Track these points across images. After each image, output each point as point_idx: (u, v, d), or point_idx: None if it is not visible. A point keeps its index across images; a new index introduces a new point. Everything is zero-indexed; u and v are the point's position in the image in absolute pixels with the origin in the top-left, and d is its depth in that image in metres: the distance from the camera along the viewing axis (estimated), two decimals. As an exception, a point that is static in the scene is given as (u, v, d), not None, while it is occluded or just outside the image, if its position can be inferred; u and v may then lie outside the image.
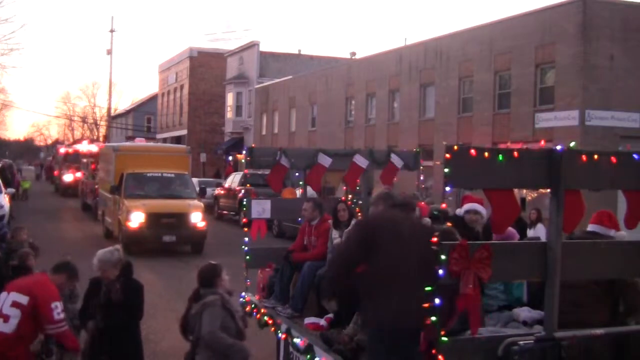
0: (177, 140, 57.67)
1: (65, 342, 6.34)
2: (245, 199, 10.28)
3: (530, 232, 14.42)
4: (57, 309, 6.11)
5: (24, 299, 6.02)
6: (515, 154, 4.73)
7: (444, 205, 6.47)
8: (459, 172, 4.59)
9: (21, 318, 6.00)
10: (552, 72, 24.40)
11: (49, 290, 6.17)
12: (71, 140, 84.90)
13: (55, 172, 47.25)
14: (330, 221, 9.60)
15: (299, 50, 54.14)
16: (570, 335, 4.97)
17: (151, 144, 31.27)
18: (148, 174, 20.93)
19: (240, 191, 26.26)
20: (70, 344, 6.37)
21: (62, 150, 48.67)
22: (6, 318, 5.99)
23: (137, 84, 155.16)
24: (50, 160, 65.46)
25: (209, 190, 31.54)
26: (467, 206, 7.72)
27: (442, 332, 4.67)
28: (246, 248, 9.84)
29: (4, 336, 5.95)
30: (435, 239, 5.10)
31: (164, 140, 61.19)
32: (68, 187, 40.07)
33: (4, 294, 6.19)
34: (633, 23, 23.25)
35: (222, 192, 30.55)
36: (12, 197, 27.33)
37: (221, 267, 6.17)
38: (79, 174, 37.72)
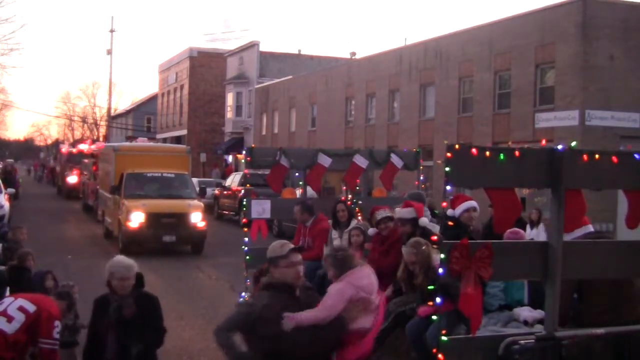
0: (177, 140, 57.65)
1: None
2: (245, 199, 10.28)
3: (532, 232, 14.43)
4: (57, 327, 6.16)
5: (31, 307, 6.05)
6: (517, 153, 4.73)
7: (444, 204, 6.48)
8: (460, 171, 4.59)
9: (23, 324, 5.99)
10: (552, 72, 24.39)
11: (55, 308, 6.26)
12: (71, 140, 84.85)
13: (58, 174, 45.97)
14: (329, 221, 9.61)
15: (299, 50, 54.15)
16: (570, 335, 4.97)
17: (152, 144, 31.23)
18: (148, 174, 20.92)
19: (240, 191, 26.24)
20: None
21: (65, 150, 47.79)
22: (10, 318, 5.99)
23: (137, 84, 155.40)
24: (52, 161, 65.18)
25: (209, 190, 31.52)
26: (465, 204, 7.75)
27: (443, 332, 4.67)
28: (246, 248, 9.84)
29: (4, 335, 5.95)
30: (435, 238, 5.10)
31: (164, 140, 61.14)
32: (72, 189, 38.29)
33: (10, 298, 6.22)
34: (633, 23, 23.24)
35: (225, 192, 30.42)
36: (13, 197, 27.35)
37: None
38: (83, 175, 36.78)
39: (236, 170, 40.65)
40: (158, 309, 5.93)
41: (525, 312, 6.15)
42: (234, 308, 5.98)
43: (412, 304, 6.82)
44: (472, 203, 7.73)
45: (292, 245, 5.27)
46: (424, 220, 7.78)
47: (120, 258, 6.02)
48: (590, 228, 5.97)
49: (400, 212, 7.97)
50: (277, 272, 5.12)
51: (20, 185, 39.15)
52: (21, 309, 6.03)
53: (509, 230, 6.79)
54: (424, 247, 6.64)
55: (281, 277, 5.10)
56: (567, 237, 5.63)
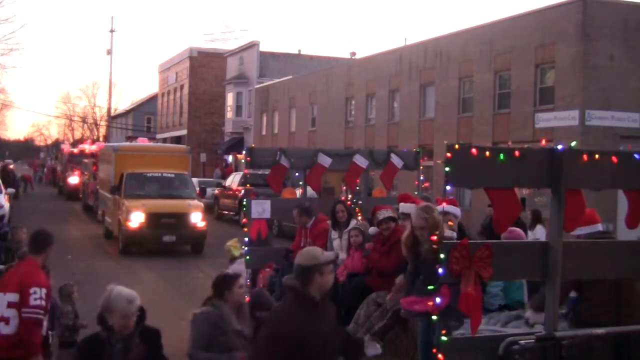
0: (177, 140, 57.63)
1: (27, 331, 5.86)
2: (245, 199, 10.28)
3: (529, 234, 14.34)
4: (36, 294, 5.88)
5: (16, 297, 5.96)
6: (517, 153, 4.73)
7: (444, 204, 6.46)
8: (460, 171, 4.60)
9: (19, 319, 5.96)
10: (552, 72, 24.39)
11: (33, 278, 6.00)
12: (71, 140, 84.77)
13: (59, 174, 45.59)
14: (328, 222, 9.60)
15: (299, 50, 54.18)
16: (570, 335, 4.97)
17: (152, 144, 31.21)
18: (148, 174, 20.93)
19: (240, 191, 26.25)
20: (34, 336, 5.87)
21: (67, 150, 47.41)
22: (7, 321, 5.95)
23: (137, 84, 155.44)
24: (50, 161, 64.99)
25: (209, 190, 31.53)
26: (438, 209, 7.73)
27: (443, 332, 4.67)
28: (246, 248, 9.82)
29: (7, 338, 5.94)
30: (435, 238, 5.09)
31: (164, 140, 61.13)
32: (73, 190, 37.28)
33: (1, 294, 6.10)
34: (633, 23, 23.24)
35: (225, 192, 30.39)
36: (14, 197, 27.35)
37: (234, 278, 5.85)
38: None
39: (236, 170, 40.63)
40: (161, 343, 5.08)
41: (531, 313, 6.11)
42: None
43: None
44: (447, 208, 7.69)
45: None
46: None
47: (119, 290, 4.88)
48: (599, 227, 5.94)
49: (404, 206, 7.97)
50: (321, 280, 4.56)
51: (20, 185, 39.05)
52: (10, 305, 5.96)
53: None
54: (435, 213, 6.32)
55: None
56: (574, 233, 5.65)
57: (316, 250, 4.72)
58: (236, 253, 10.19)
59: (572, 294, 5.79)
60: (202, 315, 5.53)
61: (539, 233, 13.82)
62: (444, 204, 6.15)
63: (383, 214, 8.08)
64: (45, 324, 6.19)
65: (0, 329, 5.96)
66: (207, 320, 5.48)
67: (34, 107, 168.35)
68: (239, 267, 9.47)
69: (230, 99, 52.01)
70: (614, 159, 4.99)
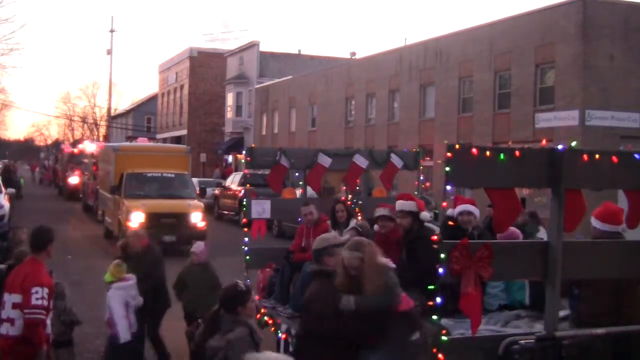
0: (177, 140, 57.63)
1: (30, 332, 5.88)
2: (245, 199, 10.26)
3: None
4: (37, 294, 5.85)
5: (19, 298, 5.97)
6: (517, 153, 4.73)
7: (444, 204, 6.44)
8: (460, 171, 4.59)
9: (23, 319, 5.97)
10: (552, 72, 24.39)
11: (35, 277, 5.98)
12: (71, 140, 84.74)
13: (59, 174, 45.53)
14: (328, 222, 9.57)
15: (299, 50, 54.18)
16: (570, 335, 4.97)
17: (152, 144, 31.23)
18: (148, 174, 20.94)
19: (240, 191, 26.25)
20: (35, 337, 5.91)
21: (67, 150, 47.29)
22: (12, 322, 5.97)
23: (137, 84, 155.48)
24: (49, 162, 64.87)
25: (209, 190, 31.53)
26: (460, 207, 7.66)
27: (443, 332, 4.68)
28: (246, 248, 9.82)
29: (13, 338, 5.95)
30: (435, 238, 5.09)
31: (164, 140, 61.12)
32: (74, 190, 37.11)
33: (6, 295, 6.14)
34: (633, 23, 23.24)
35: (225, 192, 30.39)
36: (15, 197, 27.35)
37: (249, 293, 5.27)
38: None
39: (236, 170, 40.63)
40: None
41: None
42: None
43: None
44: (467, 207, 7.63)
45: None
46: (425, 215, 7.67)
47: (270, 356, 4.21)
48: (618, 229, 5.80)
49: (402, 204, 7.82)
50: (333, 260, 5.53)
51: (22, 187, 39.07)
52: (14, 306, 5.99)
53: None
54: (367, 247, 5.50)
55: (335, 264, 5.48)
56: (593, 224, 5.74)
57: (329, 235, 5.73)
58: (109, 279, 8.26)
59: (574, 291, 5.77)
60: (241, 339, 5.05)
61: (541, 234, 13.79)
62: (444, 204, 6.12)
63: (380, 211, 7.95)
64: (48, 322, 6.19)
65: (7, 330, 5.99)
66: (247, 343, 5.05)
67: (34, 107, 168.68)
68: (117, 293, 8.16)
69: (230, 99, 52.01)
70: (614, 159, 4.99)
